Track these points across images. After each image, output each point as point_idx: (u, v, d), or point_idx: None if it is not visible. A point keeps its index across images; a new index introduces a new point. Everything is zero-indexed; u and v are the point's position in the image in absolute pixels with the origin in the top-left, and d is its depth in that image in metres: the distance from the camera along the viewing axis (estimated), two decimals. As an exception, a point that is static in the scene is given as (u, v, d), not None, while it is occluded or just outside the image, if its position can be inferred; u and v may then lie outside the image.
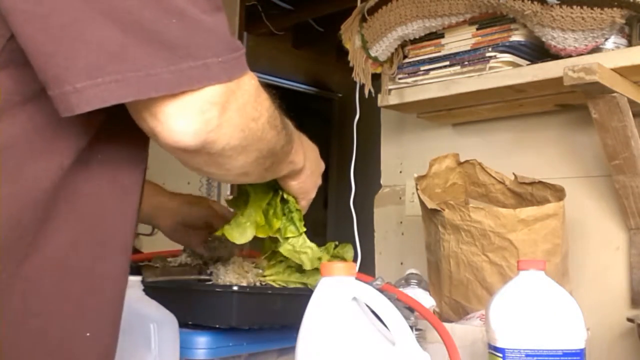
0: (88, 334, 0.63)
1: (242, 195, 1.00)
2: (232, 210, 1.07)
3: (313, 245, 1.01)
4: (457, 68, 1.49)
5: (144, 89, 0.55)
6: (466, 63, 1.47)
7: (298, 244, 1.00)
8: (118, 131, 0.64)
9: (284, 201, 0.97)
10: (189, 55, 0.57)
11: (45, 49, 0.54)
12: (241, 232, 0.96)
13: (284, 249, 1.00)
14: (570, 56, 1.30)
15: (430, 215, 1.39)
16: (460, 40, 1.51)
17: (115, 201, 0.66)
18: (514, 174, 1.46)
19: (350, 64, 1.64)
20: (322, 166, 0.99)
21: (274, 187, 0.97)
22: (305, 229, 1.00)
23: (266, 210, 0.98)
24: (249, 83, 0.63)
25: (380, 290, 0.86)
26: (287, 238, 0.99)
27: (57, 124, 0.58)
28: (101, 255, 0.65)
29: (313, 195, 0.99)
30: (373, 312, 0.76)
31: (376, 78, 1.65)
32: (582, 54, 1.29)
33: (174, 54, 0.56)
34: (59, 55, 0.54)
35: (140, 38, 0.55)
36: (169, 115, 0.58)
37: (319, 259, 1.02)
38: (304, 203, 0.99)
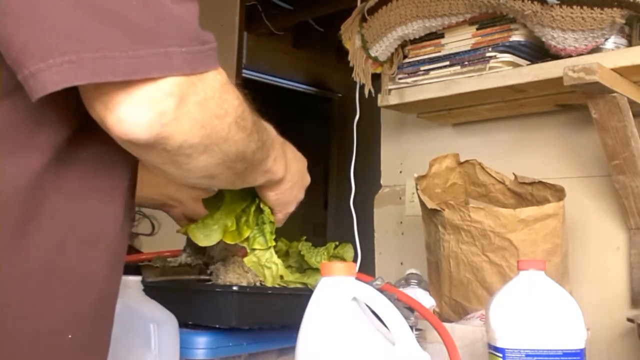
0: (70, 336, 0.61)
1: (218, 197, 0.96)
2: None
3: (279, 261, 0.98)
4: (457, 68, 1.49)
5: (99, 72, 0.51)
6: (466, 63, 1.47)
7: (264, 258, 0.97)
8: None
9: (260, 211, 0.94)
10: (150, 41, 0.53)
11: (4, 32, 0.51)
12: (206, 234, 0.93)
13: (248, 259, 0.96)
14: (570, 56, 1.30)
15: (430, 215, 1.39)
16: (460, 40, 1.51)
17: (99, 201, 0.63)
18: (514, 174, 1.46)
19: (350, 64, 1.64)
20: (306, 180, 0.94)
21: (253, 195, 0.93)
22: (274, 244, 0.96)
23: (239, 216, 0.95)
24: (215, 79, 0.59)
25: (380, 290, 0.86)
26: (254, 249, 0.96)
27: (35, 119, 0.56)
28: (85, 256, 0.62)
29: (291, 209, 0.95)
30: (373, 312, 0.76)
31: (376, 78, 1.65)
32: (582, 54, 1.29)
33: (134, 39, 0.53)
34: (16, 38, 0.51)
35: (98, 19, 0.52)
36: (118, 103, 0.53)
37: (282, 277, 0.99)
38: (280, 216, 0.94)
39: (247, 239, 0.94)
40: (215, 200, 0.96)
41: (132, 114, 0.54)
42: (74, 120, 0.58)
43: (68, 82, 0.51)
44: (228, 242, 0.94)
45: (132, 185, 0.68)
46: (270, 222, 0.94)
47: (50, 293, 0.59)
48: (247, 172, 0.73)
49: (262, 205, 0.92)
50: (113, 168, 0.63)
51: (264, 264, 0.97)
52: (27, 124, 0.56)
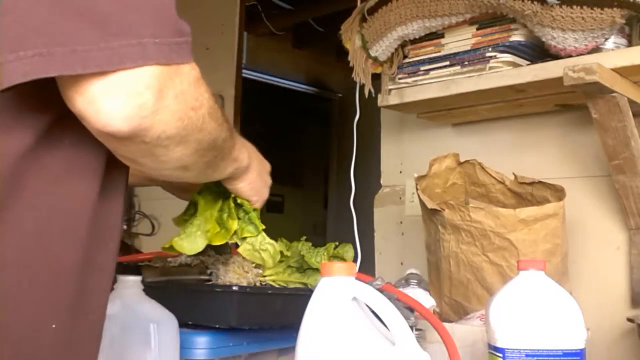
0: (54, 326, 0.60)
1: (190, 207, 0.98)
2: None
3: (273, 242, 1.00)
4: (457, 68, 1.49)
5: (70, 64, 0.51)
6: (466, 63, 1.47)
7: (257, 243, 0.99)
8: None
9: (239, 205, 0.95)
10: (123, 32, 0.53)
11: None
12: (191, 242, 0.95)
13: (243, 249, 0.98)
14: (570, 56, 1.30)
15: (430, 215, 1.39)
16: (460, 40, 1.51)
17: (81, 189, 0.62)
18: (514, 174, 1.46)
19: (350, 64, 1.64)
20: (267, 166, 0.96)
21: (224, 194, 0.95)
22: (264, 227, 0.98)
23: (219, 216, 0.96)
24: (190, 72, 0.59)
25: (380, 290, 0.86)
26: (245, 238, 0.97)
27: (16, 105, 0.55)
28: (65, 244, 0.61)
29: (266, 194, 0.96)
30: (373, 312, 0.76)
31: (376, 78, 1.65)
32: (582, 54, 1.29)
33: (105, 30, 0.52)
34: None
35: (69, 11, 0.52)
36: (97, 95, 0.53)
37: (280, 252, 1.02)
38: (259, 205, 0.96)
39: (235, 232, 0.96)
40: (188, 211, 0.98)
41: (111, 107, 0.53)
42: (56, 107, 0.57)
43: (37, 74, 0.51)
44: (217, 243, 0.95)
45: (120, 173, 0.67)
46: (254, 209, 0.96)
47: (29, 282, 0.59)
48: (217, 160, 0.74)
49: (239, 201, 0.94)
50: (97, 155, 0.62)
51: (259, 248, 0.99)
52: (8, 111, 0.56)
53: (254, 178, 0.90)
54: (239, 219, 0.96)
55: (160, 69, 0.54)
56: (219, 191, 0.95)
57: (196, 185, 0.99)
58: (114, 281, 0.95)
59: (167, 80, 0.55)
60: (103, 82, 0.53)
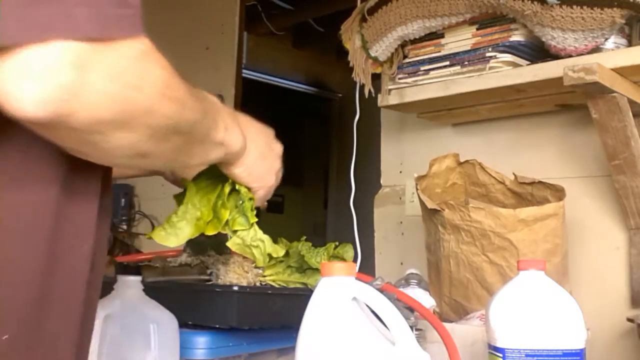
0: (5, 337, 0.55)
1: (184, 191, 0.89)
2: None
3: (266, 237, 0.90)
4: (457, 68, 1.49)
5: None
6: (466, 63, 1.47)
7: (249, 237, 0.89)
8: None
9: (235, 192, 0.86)
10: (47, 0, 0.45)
11: None
12: (174, 234, 0.84)
13: (232, 243, 0.89)
14: (570, 56, 1.30)
15: (430, 215, 1.39)
16: (460, 40, 1.51)
17: (40, 189, 0.57)
18: (514, 174, 1.46)
19: (350, 64, 1.64)
20: (276, 148, 0.86)
21: (224, 179, 0.86)
22: (256, 219, 0.88)
23: (216, 203, 0.87)
24: (132, 47, 0.50)
25: (380, 290, 0.86)
26: (236, 231, 0.88)
27: None
28: (24, 252, 0.56)
29: (271, 181, 0.86)
30: (373, 312, 0.76)
31: (376, 78, 1.65)
32: (582, 54, 1.29)
33: None
34: None
35: None
36: (6, 74, 0.45)
37: (270, 254, 0.92)
38: (262, 193, 0.86)
39: (227, 222, 0.87)
40: (182, 195, 0.89)
41: (23, 88, 0.46)
42: None
43: None
44: (209, 233, 0.86)
45: (90, 173, 0.61)
46: (250, 199, 0.86)
47: None
48: (189, 146, 0.65)
49: (238, 187, 0.85)
50: (53, 155, 0.56)
51: (250, 243, 0.90)
52: None
53: (251, 162, 0.81)
54: (235, 206, 0.87)
55: (86, 44, 0.47)
56: (221, 175, 0.85)
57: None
58: (114, 281, 0.96)
59: (93, 55, 0.47)
60: (14, 59, 0.45)
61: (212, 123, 0.68)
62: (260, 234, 0.90)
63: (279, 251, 0.93)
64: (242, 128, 0.76)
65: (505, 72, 1.41)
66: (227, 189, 0.85)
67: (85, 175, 0.61)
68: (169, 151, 0.62)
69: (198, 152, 0.69)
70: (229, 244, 0.89)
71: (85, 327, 0.65)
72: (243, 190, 0.85)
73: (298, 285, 1.06)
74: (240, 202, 0.86)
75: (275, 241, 0.96)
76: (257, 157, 0.81)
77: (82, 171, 0.60)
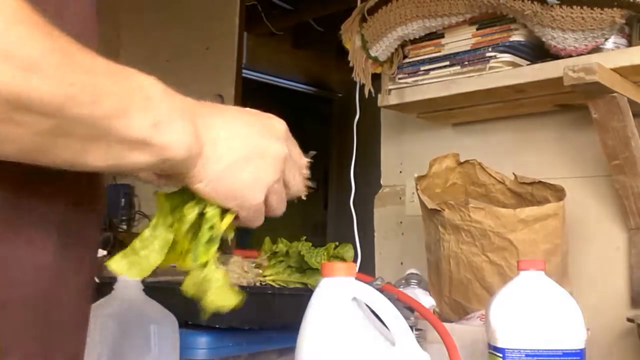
0: None
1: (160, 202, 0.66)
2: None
3: (220, 276, 0.64)
4: (457, 68, 1.49)
5: None
6: (466, 63, 1.48)
7: (199, 278, 0.64)
8: None
9: (201, 216, 0.63)
10: None
11: None
12: (136, 263, 0.62)
13: (185, 284, 0.66)
14: (570, 56, 1.30)
15: (430, 215, 1.39)
16: (460, 40, 1.51)
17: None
18: (514, 174, 1.46)
19: (350, 64, 1.64)
20: (275, 150, 0.62)
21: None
22: (205, 259, 0.63)
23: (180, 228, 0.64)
24: None
25: (380, 290, 0.86)
26: (189, 271, 0.65)
27: None
28: None
29: (254, 198, 0.61)
30: (373, 312, 0.76)
31: (376, 78, 1.65)
32: (582, 54, 1.29)
33: None
34: None
35: None
36: None
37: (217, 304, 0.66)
38: (244, 214, 0.62)
39: (182, 254, 0.65)
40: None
41: None
42: None
43: None
44: (185, 268, 0.65)
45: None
46: (211, 227, 0.62)
47: None
48: (69, 138, 0.47)
49: (207, 209, 0.62)
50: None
51: (201, 287, 0.65)
52: None
53: (217, 173, 0.57)
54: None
55: None
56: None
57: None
58: (114, 281, 0.95)
59: None
60: None
61: (119, 112, 0.48)
62: (213, 274, 0.64)
63: (227, 301, 0.68)
64: (204, 124, 0.56)
65: (505, 72, 1.41)
66: (194, 210, 0.62)
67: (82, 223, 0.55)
68: (28, 137, 0.45)
69: (94, 150, 0.49)
70: (182, 286, 0.66)
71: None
72: (209, 212, 0.62)
73: (298, 285, 1.07)
74: (209, 226, 0.63)
75: (274, 241, 0.94)
76: (231, 164, 0.58)
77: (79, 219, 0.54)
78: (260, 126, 0.62)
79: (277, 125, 0.64)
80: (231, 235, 0.65)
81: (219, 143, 0.57)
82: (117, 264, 0.63)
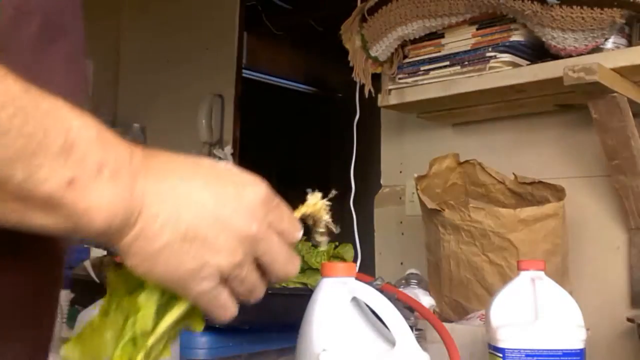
0: None
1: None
2: None
3: None
4: (457, 68, 1.49)
5: None
6: (466, 63, 1.47)
7: None
8: None
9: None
10: None
11: None
12: (87, 354, 0.52)
13: None
14: (570, 56, 1.30)
15: (430, 215, 1.39)
16: (460, 40, 1.51)
17: None
18: (514, 174, 1.46)
19: (350, 64, 1.64)
20: (240, 225, 0.49)
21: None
22: (141, 355, 0.51)
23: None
24: None
25: (380, 290, 0.86)
26: None
27: None
28: None
29: (198, 285, 0.49)
30: (373, 312, 0.76)
31: (376, 78, 1.65)
32: (582, 54, 1.29)
33: None
34: None
35: None
36: None
37: None
38: (198, 303, 0.52)
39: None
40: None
41: None
42: None
43: None
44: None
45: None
46: (135, 321, 0.51)
47: None
48: None
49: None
50: None
51: None
52: None
53: (151, 254, 0.46)
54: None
55: None
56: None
57: None
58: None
59: None
60: None
61: (23, 157, 0.39)
62: None
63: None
64: (147, 186, 0.45)
65: (505, 72, 1.41)
66: (152, 296, 0.51)
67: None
68: None
69: None
70: None
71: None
72: (140, 297, 0.50)
73: (298, 285, 1.06)
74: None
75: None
76: (170, 244, 0.46)
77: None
78: (224, 193, 0.49)
79: (250, 195, 0.50)
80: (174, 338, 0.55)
81: (162, 214, 0.45)
82: (71, 352, 0.53)
